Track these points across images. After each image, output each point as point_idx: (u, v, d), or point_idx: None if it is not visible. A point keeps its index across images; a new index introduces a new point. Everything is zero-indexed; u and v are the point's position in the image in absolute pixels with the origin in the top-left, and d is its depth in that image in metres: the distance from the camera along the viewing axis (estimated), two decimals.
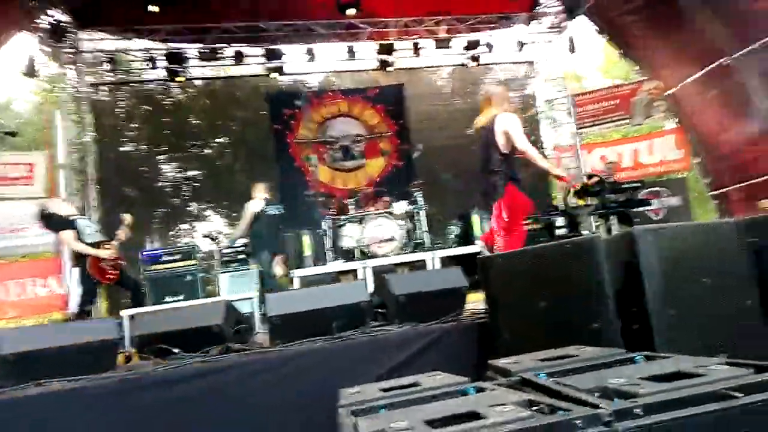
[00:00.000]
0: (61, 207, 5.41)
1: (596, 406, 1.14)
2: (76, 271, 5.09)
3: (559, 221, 7.61)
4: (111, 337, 2.90)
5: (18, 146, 11.23)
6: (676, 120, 11.15)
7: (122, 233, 5.33)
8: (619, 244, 2.51)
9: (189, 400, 2.51)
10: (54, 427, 2.38)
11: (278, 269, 6.59)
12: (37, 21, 8.09)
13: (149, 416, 2.46)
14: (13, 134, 4.81)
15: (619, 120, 11.16)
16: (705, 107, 10.31)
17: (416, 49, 10.24)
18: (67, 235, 5.08)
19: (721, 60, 9.10)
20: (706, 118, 10.53)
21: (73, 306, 5.04)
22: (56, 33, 8.17)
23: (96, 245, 5.11)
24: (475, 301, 3.47)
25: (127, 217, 5.48)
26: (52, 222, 5.27)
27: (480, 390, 1.48)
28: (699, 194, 12.42)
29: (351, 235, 7.10)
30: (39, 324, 8.88)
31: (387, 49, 10.03)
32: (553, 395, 1.31)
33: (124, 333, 3.73)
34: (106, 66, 9.43)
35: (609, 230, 6.97)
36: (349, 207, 7.43)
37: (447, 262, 6.80)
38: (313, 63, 10.10)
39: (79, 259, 5.09)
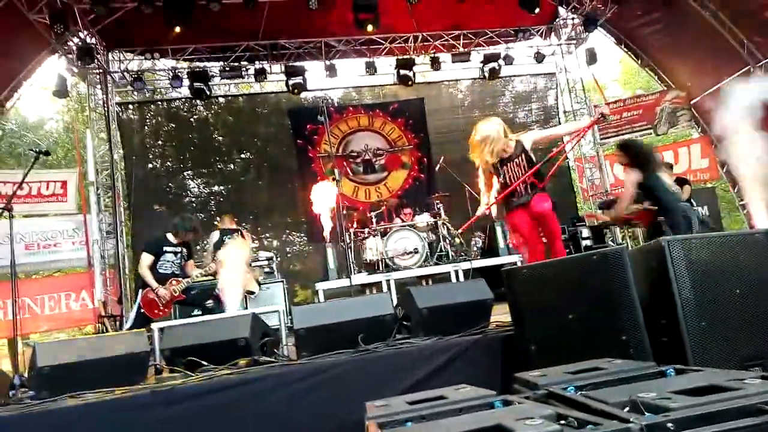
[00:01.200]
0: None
1: (626, 421, 1.12)
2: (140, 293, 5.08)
3: (585, 232, 7.50)
4: (142, 350, 2.96)
5: (51, 164, 11.58)
6: (700, 129, 10.95)
7: (198, 274, 5.18)
8: (647, 254, 2.48)
9: (217, 412, 2.54)
10: None
11: (251, 287, 6.62)
12: (67, 44, 8.37)
13: (179, 428, 2.50)
14: (46, 153, 4.90)
15: (642, 130, 11.00)
16: None
17: (435, 63, 10.29)
18: (144, 257, 5.05)
19: (748, 67, 8.94)
20: None
21: (126, 327, 5.05)
22: (85, 54, 8.40)
23: (165, 279, 5.03)
24: (501, 314, 3.44)
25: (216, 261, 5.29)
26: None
27: (507, 403, 1.47)
28: (728, 204, 12.15)
29: (374, 248, 7.11)
30: (72, 337, 9.10)
31: (406, 64, 10.12)
32: (581, 409, 1.30)
33: (154, 346, 3.78)
34: (134, 85, 9.70)
35: (636, 240, 6.84)
36: (372, 220, 7.46)
37: (471, 274, 6.77)
38: (333, 79, 10.25)
39: (143, 284, 5.06)
